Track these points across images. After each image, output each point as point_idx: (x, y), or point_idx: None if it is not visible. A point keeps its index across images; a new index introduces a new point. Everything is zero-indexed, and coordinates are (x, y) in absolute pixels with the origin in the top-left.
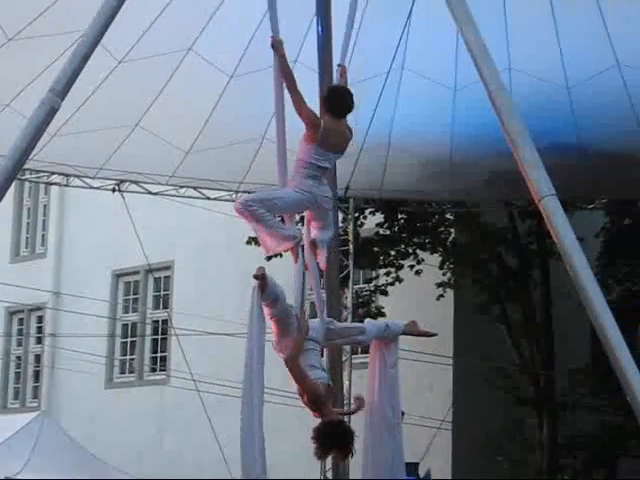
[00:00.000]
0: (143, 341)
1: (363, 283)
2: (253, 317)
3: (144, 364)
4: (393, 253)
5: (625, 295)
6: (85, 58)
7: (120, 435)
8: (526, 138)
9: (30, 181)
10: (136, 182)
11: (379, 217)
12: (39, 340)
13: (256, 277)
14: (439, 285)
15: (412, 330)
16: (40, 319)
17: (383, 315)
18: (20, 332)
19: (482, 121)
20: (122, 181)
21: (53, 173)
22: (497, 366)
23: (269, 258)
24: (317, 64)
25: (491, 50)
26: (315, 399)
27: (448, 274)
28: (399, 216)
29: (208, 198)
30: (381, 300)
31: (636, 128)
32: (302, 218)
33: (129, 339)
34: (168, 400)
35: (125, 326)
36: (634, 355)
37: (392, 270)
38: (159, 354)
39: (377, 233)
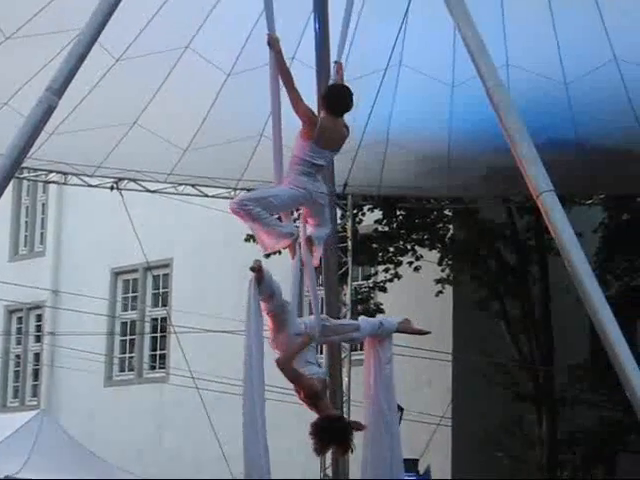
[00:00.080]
0: (142, 339)
1: (362, 280)
2: (250, 311)
3: (143, 362)
4: (392, 249)
5: (624, 290)
6: (82, 56)
7: (119, 433)
8: (524, 134)
9: (28, 179)
10: (134, 180)
11: (377, 214)
12: (38, 338)
13: (253, 269)
14: (438, 281)
15: (406, 328)
16: (39, 317)
17: (382, 312)
18: (19, 331)
19: (480, 117)
20: (120, 179)
21: (51, 171)
22: (496, 362)
23: (267, 255)
24: (314, 61)
25: (489, 46)
26: (311, 395)
27: (447, 270)
28: (397, 212)
29: (206, 196)
30: (380, 297)
31: (634, 123)
32: (300, 215)
33: (128, 337)
34: (167, 398)
35: (124, 324)
36: (633, 350)
37: (391, 267)
38: (158, 352)
39: (376, 230)
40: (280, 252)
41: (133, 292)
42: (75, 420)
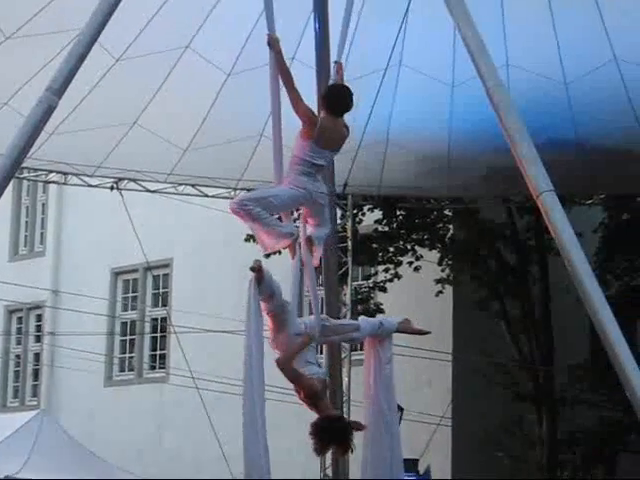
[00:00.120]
0: (142, 339)
1: (362, 280)
2: (250, 311)
3: (143, 362)
4: (392, 250)
5: (624, 290)
6: (82, 56)
7: (119, 433)
8: (524, 134)
9: (28, 179)
10: (134, 180)
11: (377, 214)
12: (38, 338)
13: (253, 269)
14: (438, 281)
15: (406, 328)
16: (39, 317)
17: (382, 312)
18: (19, 331)
19: (480, 117)
20: (120, 179)
21: (51, 171)
22: (496, 362)
23: (267, 255)
24: (314, 61)
25: (489, 46)
26: (311, 395)
27: (447, 270)
28: (397, 212)
29: (206, 196)
30: (380, 297)
31: (634, 123)
32: (300, 215)
33: (128, 337)
34: (167, 398)
35: (124, 324)
36: (633, 350)
37: (391, 267)
38: (158, 352)
39: (376, 230)
40: (280, 252)
41: (133, 292)
42: (75, 420)
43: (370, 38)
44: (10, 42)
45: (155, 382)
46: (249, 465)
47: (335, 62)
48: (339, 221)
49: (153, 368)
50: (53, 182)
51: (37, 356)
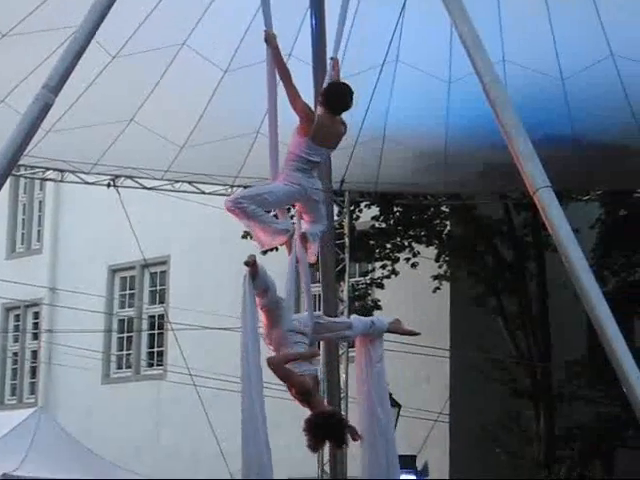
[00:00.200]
0: (139, 336)
1: (359, 276)
2: (246, 306)
3: (141, 359)
4: (389, 246)
5: (621, 286)
6: (79, 54)
7: (117, 430)
8: (520, 130)
9: (25, 177)
10: (131, 177)
11: (375, 210)
12: (35, 336)
13: (247, 264)
14: (435, 278)
15: (397, 328)
16: (36, 315)
17: (380, 308)
18: (16, 328)
19: (476, 113)
20: (117, 176)
21: (48, 169)
22: (494, 358)
23: (264, 252)
24: (311, 57)
25: (485, 42)
26: (303, 393)
27: (444, 267)
28: (395, 209)
29: (203, 192)
30: (377, 293)
31: (630, 119)
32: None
33: (125, 334)
34: (165, 395)
35: (121, 321)
36: (630, 346)
37: (388, 263)
38: (156, 349)
39: (373, 226)
40: (277, 248)
41: (130, 289)
42: (73, 417)
43: (366, 34)
44: (6, 39)
45: (152, 379)
46: (247, 462)
47: (331, 58)
48: (336, 218)
49: (150, 365)
50: (50, 179)
51: (34, 354)
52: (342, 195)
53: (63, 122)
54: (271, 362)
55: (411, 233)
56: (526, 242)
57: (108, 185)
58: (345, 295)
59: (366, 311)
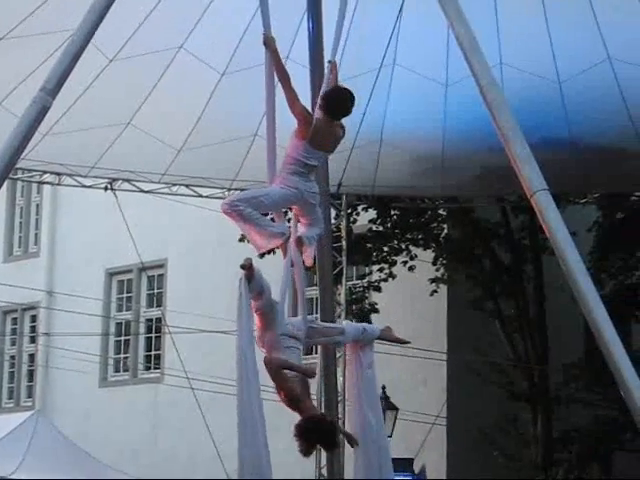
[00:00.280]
0: (137, 339)
1: (356, 279)
2: (242, 309)
3: (138, 362)
4: (386, 249)
5: (618, 289)
6: (76, 57)
7: (115, 433)
8: (517, 133)
9: (22, 180)
10: (128, 180)
11: (372, 213)
12: (33, 339)
13: (243, 267)
14: (432, 281)
15: (387, 335)
16: (34, 318)
17: (377, 311)
18: (14, 332)
19: (474, 116)
20: (114, 179)
21: (45, 172)
22: (491, 361)
23: (262, 255)
24: (308, 60)
25: (482, 45)
26: (292, 398)
27: (441, 270)
28: (392, 212)
29: (200, 196)
30: (374, 296)
31: (627, 122)
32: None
33: (123, 337)
34: (162, 398)
35: (119, 324)
36: (627, 349)
37: (385, 266)
38: (153, 352)
39: (370, 229)
40: (274, 252)
41: (127, 292)
42: (70, 421)
43: (364, 38)
44: (4, 43)
45: (150, 382)
46: (243, 465)
47: (329, 61)
48: (333, 221)
49: (148, 368)
50: (47, 183)
51: (32, 357)
52: (339, 198)
53: (60, 125)
54: (269, 362)
55: (408, 236)
56: (523, 245)
57: (105, 188)
58: (342, 298)
59: (363, 314)
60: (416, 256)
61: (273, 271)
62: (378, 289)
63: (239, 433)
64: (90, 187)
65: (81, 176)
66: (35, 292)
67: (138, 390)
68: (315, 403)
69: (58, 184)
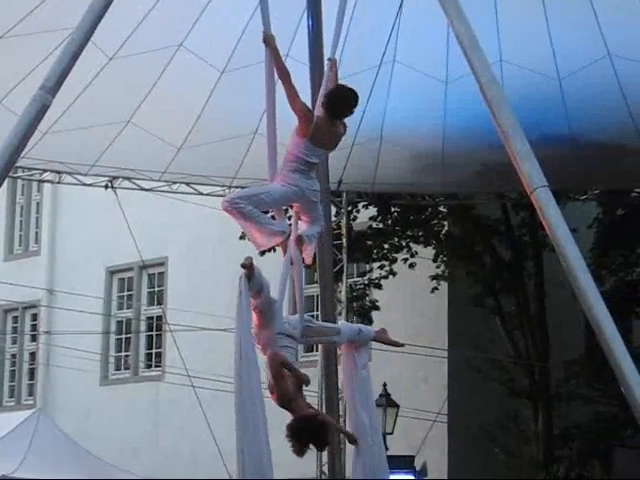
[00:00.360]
0: (138, 337)
1: (357, 277)
2: (241, 307)
3: (139, 360)
4: (387, 246)
5: (618, 286)
6: (76, 55)
7: (116, 431)
8: (517, 130)
9: (23, 179)
10: (128, 178)
11: (372, 211)
12: (34, 338)
13: (244, 266)
14: (433, 278)
15: (382, 337)
16: (34, 317)
17: (377, 309)
18: (15, 330)
19: (474, 113)
20: (114, 177)
21: (45, 170)
22: (491, 358)
23: (262, 253)
24: (307, 58)
25: (482, 42)
26: (284, 397)
27: (442, 267)
28: (392, 209)
29: (201, 194)
30: (375, 294)
31: (627, 119)
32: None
33: (124, 336)
34: (163, 396)
35: (120, 323)
36: (628, 346)
37: (386, 263)
38: (154, 350)
39: (370, 227)
40: (274, 249)
41: (128, 291)
42: (71, 419)
43: (363, 35)
44: (4, 41)
45: (151, 380)
46: (244, 464)
47: (329, 59)
48: (334, 218)
49: (149, 366)
50: (47, 181)
51: (33, 355)
52: (340, 196)
53: (60, 123)
54: (274, 357)
55: (409, 233)
56: (524, 242)
57: (106, 186)
58: (343, 296)
59: (364, 312)
60: (417, 253)
61: (273, 269)
62: (379, 286)
63: (238, 432)
64: (90, 185)
65: (81, 174)
66: (36, 290)
67: (139, 388)
68: (316, 401)
69: (58, 182)
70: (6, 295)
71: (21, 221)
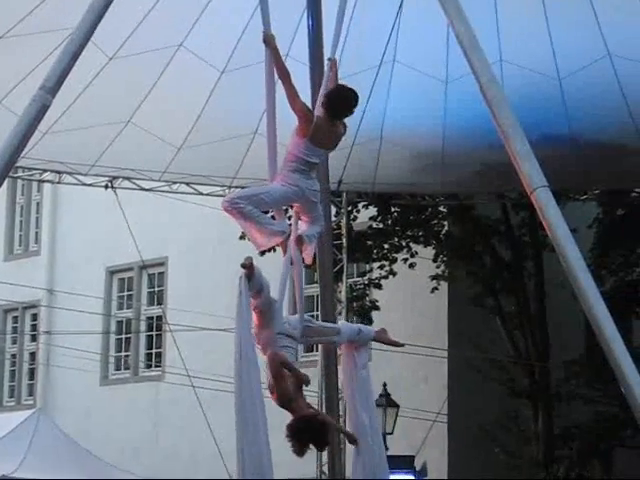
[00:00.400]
0: (138, 337)
1: (357, 277)
2: (241, 307)
3: (139, 360)
4: (387, 246)
5: (618, 286)
6: (76, 55)
7: (116, 431)
8: (517, 130)
9: (23, 179)
10: (128, 178)
11: (372, 211)
12: (34, 338)
13: (244, 266)
14: (433, 278)
15: (382, 338)
16: (34, 317)
17: (377, 309)
18: (15, 330)
19: (474, 113)
20: (114, 177)
21: (45, 170)
22: (491, 358)
23: (262, 253)
24: (307, 58)
25: (482, 42)
26: (284, 397)
27: (442, 267)
28: (392, 209)
29: (201, 194)
30: (375, 294)
31: (627, 118)
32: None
33: (124, 336)
34: (163, 396)
35: (120, 323)
36: (628, 346)
37: (386, 263)
38: (154, 350)
39: (370, 227)
40: (274, 249)
41: (128, 291)
42: (71, 419)
43: (363, 35)
44: (4, 41)
45: (151, 380)
46: (244, 465)
47: (329, 59)
48: (334, 218)
49: (149, 366)
50: (47, 181)
51: (33, 355)
52: (340, 196)
53: (60, 124)
54: (274, 357)
55: (409, 233)
56: (524, 242)
57: (106, 186)
58: (343, 296)
59: (364, 312)
60: (417, 253)
61: (273, 269)
62: (379, 286)
63: (238, 432)
64: (90, 185)
65: (81, 174)
66: (36, 290)
67: (139, 388)
68: (316, 401)
69: (58, 182)
70: (6, 295)
71: (21, 221)
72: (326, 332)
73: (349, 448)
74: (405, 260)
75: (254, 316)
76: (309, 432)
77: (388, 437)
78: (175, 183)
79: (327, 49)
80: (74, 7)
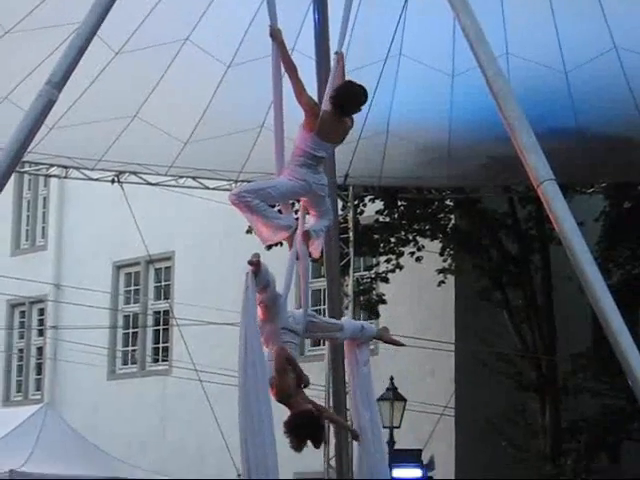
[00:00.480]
0: (145, 332)
1: (364, 270)
2: (248, 302)
3: (146, 355)
4: (393, 240)
5: (625, 279)
6: (82, 50)
7: (123, 426)
8: (524, 123)
9: (29, 173)
10: (135, 173)
11: (379, 204)
12: (41, 333)
13: (251, 263)
14: (440, 271)
15: (383, 336)
16: (41, 312)
17: (384, 302)
18: (22, 325)
19: (480, 106)
20: (121, 172)
21: (52, 165)
22: (499, 351)
23: (269, 248)
24: (314, 52)
25: (488, 35)
26: (284, 393)
27: (449, 260)
28: (399, 203)
29: (207, 188)
30: (382, 287)
31: (634, 111)
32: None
33: (131, 330)
34: (170, 390)
35: (127, 317)
36: (635, 339)
37: (392, 257)
38: (161, 345)
39: (377, 220)
40: (281, 244)
41: (135, 285)
42: (79, 413)
43: (370, 29)
44: (10, 36)
45: (158, 375)
46: (249, 462)
47: (336, 53)
48: (340, 212)
49: (156, 361)
50: (54, 176)
51: (40, 350)
52: (346, 189)
53: (67, 118)
54: (280, 353)
55: (415, 227)
56: (531, 235)
57: (112, 181)
58: (350, 290)
59: (371, 305)
60: (423, 247)
61: (279, 263)
62: (385, 280)
63: (241, 422)
64: (97, 180)
65: (88, 169)
66: (43, 285)
67: (146, 382)
68: (323, 394)
69: (65, 177)
70: (13, 290)
71: (28, 216)
72: (329, 328)
73: (355, 442)
74: (412, 254)
75: (259, 310)
76: (306, 428)
77: (395, 431)
78: (182, 177)
79: (333, 43)
80: (80, 2)
